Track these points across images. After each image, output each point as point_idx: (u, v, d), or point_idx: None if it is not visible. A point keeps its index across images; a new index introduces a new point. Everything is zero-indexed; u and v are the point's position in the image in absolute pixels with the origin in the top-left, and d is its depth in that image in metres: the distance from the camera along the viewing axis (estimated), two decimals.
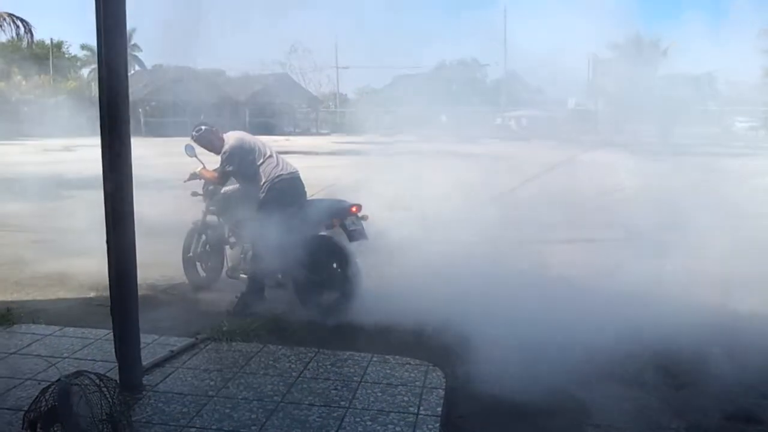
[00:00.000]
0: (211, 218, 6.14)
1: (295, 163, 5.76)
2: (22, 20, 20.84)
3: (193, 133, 5.65)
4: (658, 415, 3.57)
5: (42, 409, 2.91)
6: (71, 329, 4.77)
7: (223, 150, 5.51)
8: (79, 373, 3.14)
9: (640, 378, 3.96)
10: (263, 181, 5.46)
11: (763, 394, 3.80)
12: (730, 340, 4.24)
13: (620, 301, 4.82)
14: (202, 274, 6.16)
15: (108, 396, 3.08)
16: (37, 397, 2.97)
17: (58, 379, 3.07)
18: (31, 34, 22.23)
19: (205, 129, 5.63)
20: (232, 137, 5.58)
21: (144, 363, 3.94)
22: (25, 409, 3.01)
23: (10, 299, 5.67)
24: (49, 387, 3.01)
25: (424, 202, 7.14)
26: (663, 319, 4.54)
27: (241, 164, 5.48)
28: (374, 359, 4.19)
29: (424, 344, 4.53)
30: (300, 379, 3.89)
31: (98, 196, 3.69)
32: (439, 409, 3.51)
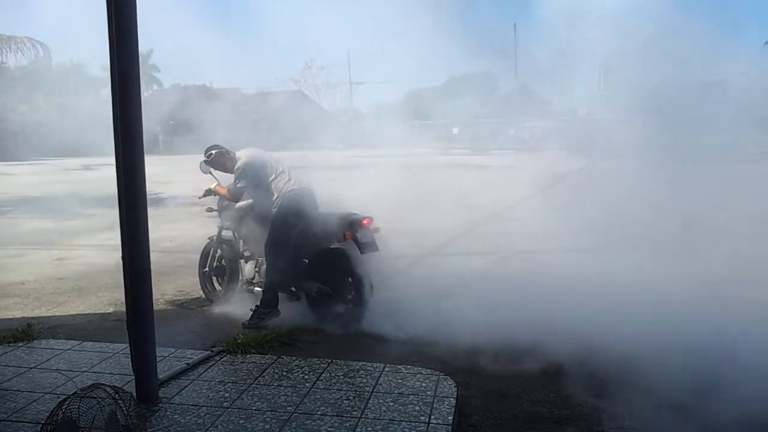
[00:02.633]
0: (227, 233, 6.23)
1: (312, 177, 5.85)
2: (41, 44, 21.24)
3: (205, 158, 5.78)
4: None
5: (59, 421, 2.98)
6: (89, 344, 4.85)
7: (236, 167, 5.61)
8: (95, 386, 3.20)
9: None
10: (276, 196, 5.54)
11: None
12: None
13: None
14: (218, 288, 6.25)
15: (123, 408, 3.14)
16: (54, 410, 3.04)
17: (75, 393, 3.14)
18: (50, 57, 22.66)
19: (216, 152, 5.76)
20: (244, 154, 5.68)
21: (160, 376, 4.01)
22: (42, 421, 3.08)
23: (30, 315, 5.79)
24: (65, 400, 3.08)
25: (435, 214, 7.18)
26: None
27: (253, 180, 5.57)
28: (386, 369, 4.22)
29: (433, 354, 4.58)
30: (313, 389, 3.93)
31: (117, 214, 3.77)
32: (451, 417, 3.53)
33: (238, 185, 5.62)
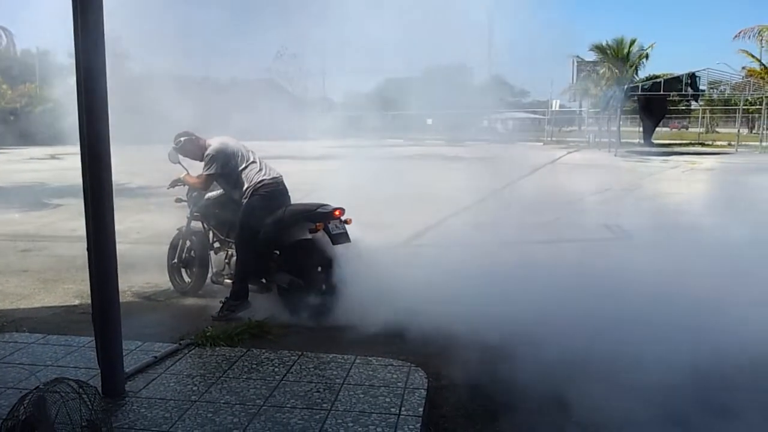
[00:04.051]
0: (196, 224, 6.15)
1: (284, 167, 5.78)
2: (4, 29, 20.81)
3: (174, 144, 5.69)
4: None
5: (20, 417, 2.90)
6: (54, 337, 4.75)
7: (206, 153, 5.53)
8: (58, 381, 3.13)
9: None
10: (246, 186, 5.47)
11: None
12: None
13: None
14: (187, 280, 6.16)
15: (88, 402, 3.08)
16: (15, 405, 2.96)
17: (37, 387, 3.06)
18: (14, 44, 22.23)
19: (185, 139, 5.67)
20: (215, 141, 5.60)
21: (127, 369, 3.94)
22: (3, 417, 3.00)
23: None
24: (27, 395, 3.00)
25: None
26: None
27: (223, 168, 5.50)
28: (357, 361, 4.20)
29: (405, 345, 4.57)
30: (283, 382, 3.90)
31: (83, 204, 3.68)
32: (421, 409, 3.52)
33: (207, 171, 5.53)
